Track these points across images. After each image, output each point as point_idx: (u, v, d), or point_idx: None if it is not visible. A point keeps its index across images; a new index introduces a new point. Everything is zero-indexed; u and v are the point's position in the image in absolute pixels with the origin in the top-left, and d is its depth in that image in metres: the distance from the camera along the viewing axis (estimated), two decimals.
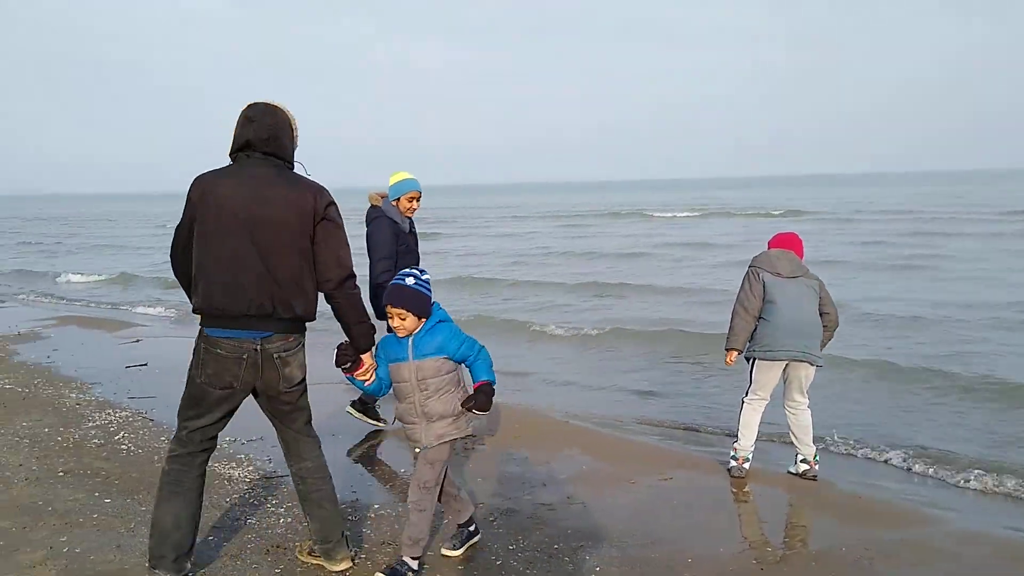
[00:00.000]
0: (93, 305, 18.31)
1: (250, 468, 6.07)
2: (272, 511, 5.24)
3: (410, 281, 4.05)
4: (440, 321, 4.12)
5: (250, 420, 7.26)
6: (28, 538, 4.67)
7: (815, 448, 6.05)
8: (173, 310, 16.82)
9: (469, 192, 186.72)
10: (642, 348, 11.97)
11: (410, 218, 6.59)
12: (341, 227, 3.90)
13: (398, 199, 6.45)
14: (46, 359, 10.37)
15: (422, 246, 6.90)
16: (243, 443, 6.70)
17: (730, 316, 5.96)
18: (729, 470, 6.01)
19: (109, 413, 7.58)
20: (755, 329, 5.85)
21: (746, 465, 5.97)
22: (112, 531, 4.82)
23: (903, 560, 4.56)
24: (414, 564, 4.23)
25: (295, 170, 3.94)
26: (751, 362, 5.95)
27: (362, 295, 4.03)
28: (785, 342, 5.70)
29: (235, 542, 4.71)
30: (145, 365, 9.87)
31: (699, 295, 17.05)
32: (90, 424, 7.19)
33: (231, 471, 5.99)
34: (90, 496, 5.40)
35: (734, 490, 5.77)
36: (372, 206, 6.47)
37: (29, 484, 5.60)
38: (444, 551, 4.56)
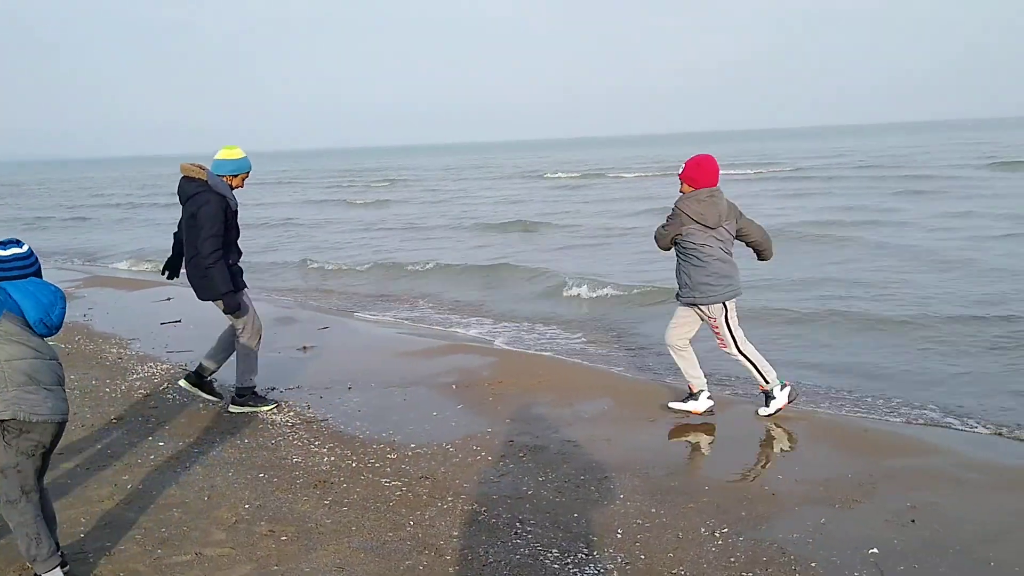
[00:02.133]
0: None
1: (291, 414, 6.43)
2: (316, 451, 5.60)
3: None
4: None
5: (287, 370, 7.73)
6: (94, 477, 5.05)
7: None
8: None
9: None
10: None
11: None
12: None
13: (235, 176, 6.15)
14: (82, 317, 10.76)
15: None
16: (282, 391, 7.06)
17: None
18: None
19: (150, 366, 7.95)
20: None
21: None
22: (170, 470, 5.20)
23: (906, 483, 4.88)
24: None
25: None
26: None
27: None
28: None
29: (285, 478, 5.08)
30: (179, 321, 10.24)
31: None
32: (134, 376, 7.57)
33: (273, 416, 6.35)
34: (144, 440, 5.78)
35: (749, 425, 6.09)
36: (195, 179, 5.97)
37: (86, 430, 5.98)
38: None
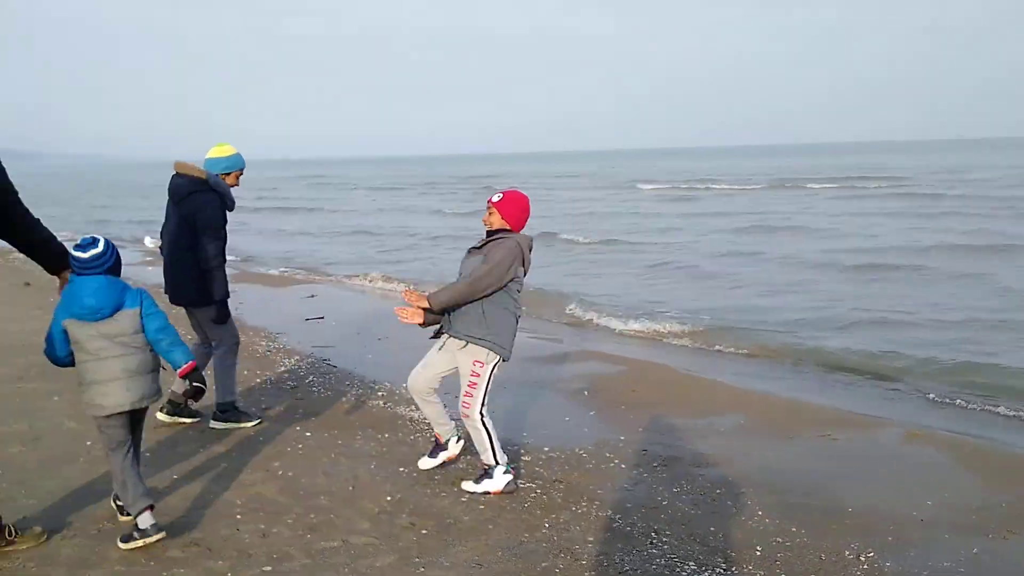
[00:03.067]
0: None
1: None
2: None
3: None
4: None
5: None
6: (248, 462, 5.33)
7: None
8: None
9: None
10: None
11: None
12: None
13: (229, 174, 5.94)
14: (235, 311, 11.31)
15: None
16: None
17: (479, 287, 4.78)
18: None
19: (297, 359, 8.33)
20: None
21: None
22: (316, 459, 5.43)
23: None
24: None
25: None
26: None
27: None
28: None
29: (424, 474, 5.23)
30: (322, 318, 10.67)
31: None
32: (281, 369, 7.94)
33: (412, 413, 6.54)
34: (292, 430, 6.05)
35: (894, 447, 5.87)
36: (194, 177, 5.70)
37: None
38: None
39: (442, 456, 5.27)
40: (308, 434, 5.97)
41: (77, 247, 4.05)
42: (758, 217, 26.39)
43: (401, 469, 5.30)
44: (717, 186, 45.79)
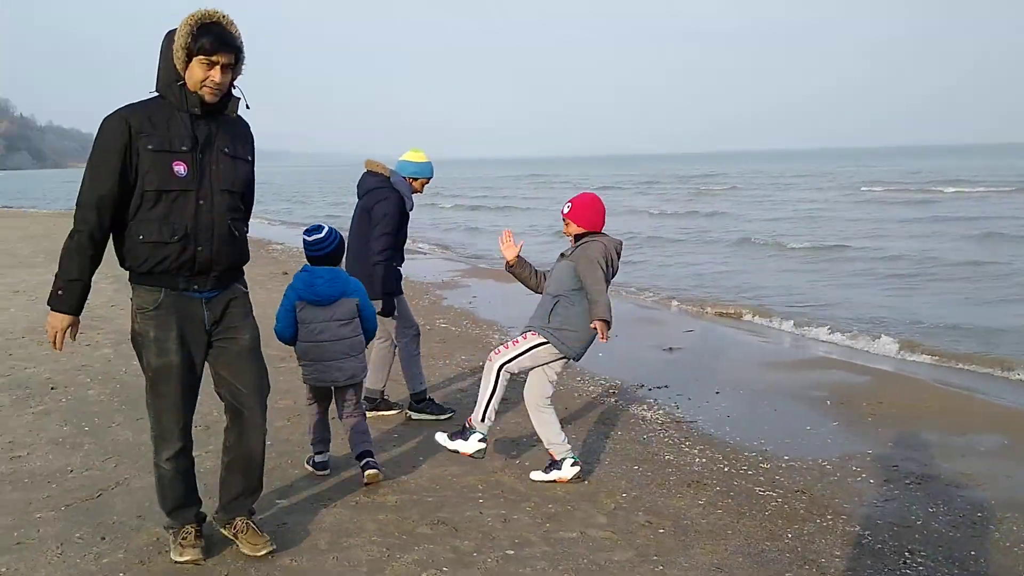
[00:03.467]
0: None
1: (660, 412, 6.56)
2: (687, 451, 5.67)
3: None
4: None
5: (653, 368, 7.91)
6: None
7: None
8: None
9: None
10: None
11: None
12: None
13: (417, 179, 6.03)
14: (468, 304, 11.82)
15: None
16: (649, 389, 7.24)
17: (603, 288, 4.73)
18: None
19: None
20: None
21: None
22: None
23: None
24: None
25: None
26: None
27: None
28: None
29: (658, 474, 5.20)
30: None
31: None
32: None
33: (644, 412, 6.52)
34: (527, 422, 6.14)
35: None
36: (377, 174, 5.96)
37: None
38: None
39: (554, 475, 4.99)
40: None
41: (305, 232, 4.78)
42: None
43: (636, 467, 5.30)
44: (957, 188, 41.77)
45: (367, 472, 4.74)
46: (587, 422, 6.26)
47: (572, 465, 4.98)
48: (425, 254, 20.50)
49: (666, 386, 7.34)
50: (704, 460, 5.49)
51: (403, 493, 4.72)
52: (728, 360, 8.53)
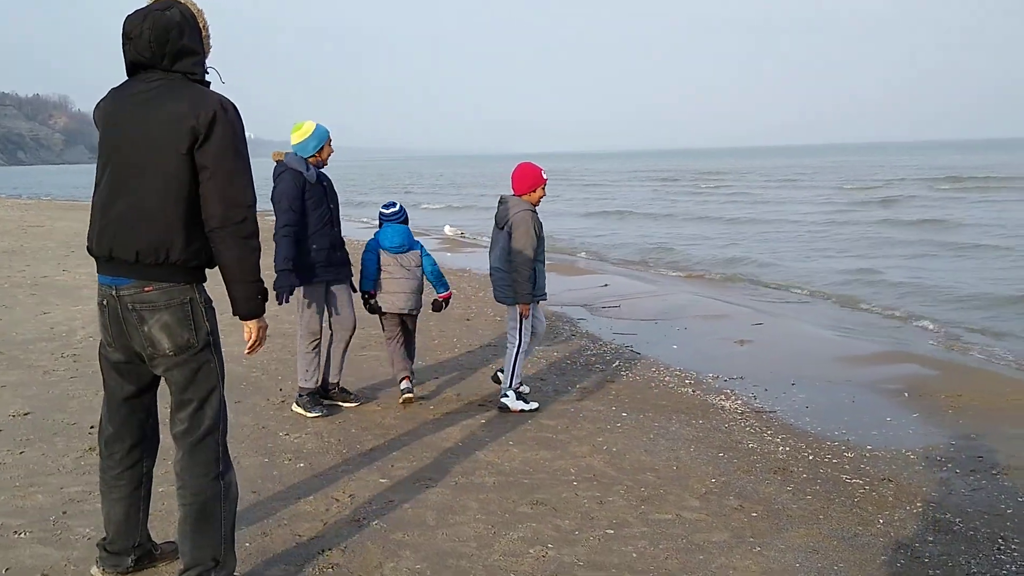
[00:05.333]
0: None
1: (739, 402, 6.66)
2: (769, 439, 5.77)
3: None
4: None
5: (727, 360, 8.00)
6: (572, 435, 5.69)
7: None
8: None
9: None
10: None
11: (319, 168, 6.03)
12: (236, 151, 3.05)
13: (313, 155, 5.91)
14: None
15: None
16: (725, 380, 7.34)
17: (518, 267, 5.98)
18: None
19: (601, 344, 8.68)
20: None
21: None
22: (635, 438, 5.67)
23: None
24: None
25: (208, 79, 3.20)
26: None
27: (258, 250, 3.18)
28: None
29: (744, 461, 5.31)
30: (619, 306, 11.00)
31: None
32: (588, 352, 8.31)
33: (722, 402, 6.63)
34: (609, 410, 6.35)
35: None
36: (278, 162, 5.95)
37: (559, 395, 6.71)
38: None
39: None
40: (624, 414, 6.23)
41: (383, 206, 6.48)
42: None
43: (721, 454, 5.41)
44: None
45: (404, 391, 6.27)
46: (668, 411, 6.38)
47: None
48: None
49: (741, 377, 7.43)
50: (787, 448, 5.59)
51: (499, 475, 4.90)
52: (799, 353, 8.57)
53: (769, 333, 9.57)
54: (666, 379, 7.34)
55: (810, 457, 5.43)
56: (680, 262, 17.33)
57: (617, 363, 7.87)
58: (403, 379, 6.29)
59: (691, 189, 47.21)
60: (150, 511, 3.49)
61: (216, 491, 3.17)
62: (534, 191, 6.13)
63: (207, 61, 3.17)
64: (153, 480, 3.46)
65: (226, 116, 3.00)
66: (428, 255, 6.40)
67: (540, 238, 6.07)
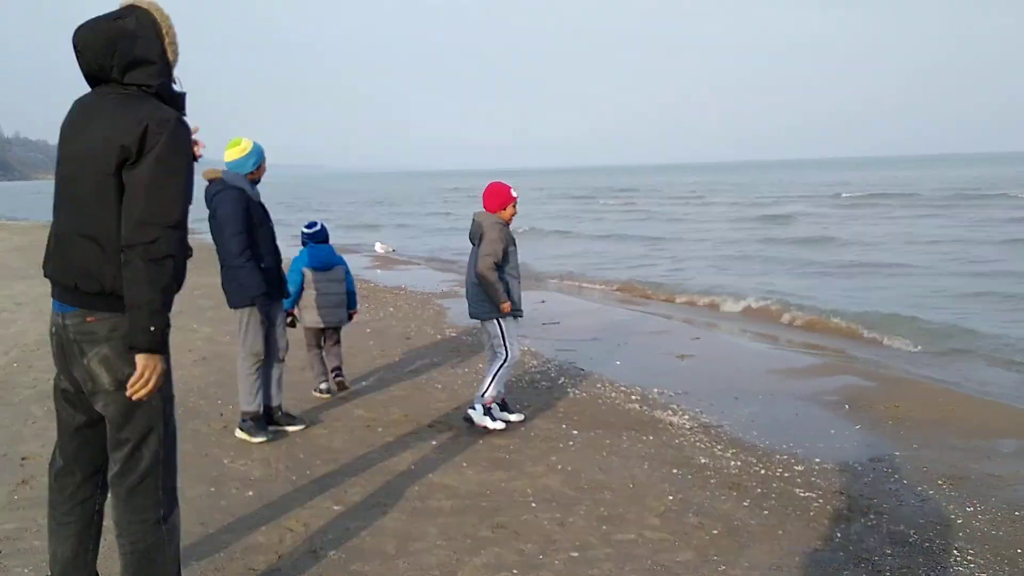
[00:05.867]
0: None
1: (686, 417, 6.68)
2: (720, 454, 5.79)
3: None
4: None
5: (670, 375, 8.03)
6: (527, 455, 5.61)
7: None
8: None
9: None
10: None
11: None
12: (168, 168, 2.76)
13: (251, 172, 5.71)
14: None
15: None
16: (671, 395, 7.36)
17: (484, 272, 5.95)
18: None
19: (544, 361, 8.64)
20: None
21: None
22: (589, 457, 5.63)
23: None
24: None
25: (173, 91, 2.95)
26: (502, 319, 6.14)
27: (173, 271, 2.77)
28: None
29: (698, 477, 5.31)
30: (558, 323, 10.99)
31: None
32: (532, 369, 8.25)
33: (670, 418, 6.64)
34: (559, 428, 6.29)
35: None
36: (215, 179, 5.65)
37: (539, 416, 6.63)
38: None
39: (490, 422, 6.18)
40: (575, 432, 6.19)
41: (305, 226, 7.06)
42: None
43: (675, 471, 5.41)
44: None
45: (337, 380, 6.98)
46: (617, 428, 6.35)
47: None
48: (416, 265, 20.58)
49: (686, 392, 7.47)
50: (739, 463, 5.61)
51: (456, 498, 4.80)
52: (739, 367, 8.66)
53: (708, 347, 9.66)
54: (612, 395, 7.32)
55: (762, 471, 5.46)
56: (609, 278, 17.40)
57: (563, 380, 7.84)
58: (322, 382, 6.93)
59: (600, 208, 47.67)
60: (99, 548, 3.29)
61: (158, 538, 2.95)
62: (504, 208, 6.12)
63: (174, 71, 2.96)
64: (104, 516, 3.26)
65: (160, 131, 2.73)
66: (349, 272, 7.09)
67: (509, 252, 6.07)
